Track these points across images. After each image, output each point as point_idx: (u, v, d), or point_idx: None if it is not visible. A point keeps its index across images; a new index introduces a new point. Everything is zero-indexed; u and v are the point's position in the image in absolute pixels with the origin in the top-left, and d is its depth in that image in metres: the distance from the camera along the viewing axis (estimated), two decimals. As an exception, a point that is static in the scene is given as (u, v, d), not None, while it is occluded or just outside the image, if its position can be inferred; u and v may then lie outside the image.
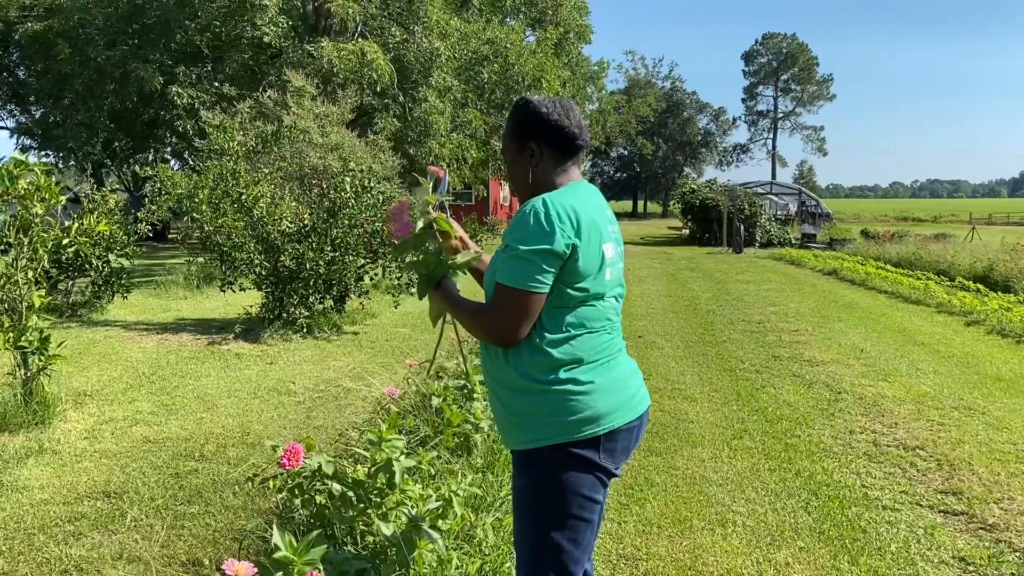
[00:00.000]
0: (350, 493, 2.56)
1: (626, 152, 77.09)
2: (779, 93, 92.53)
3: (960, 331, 10.23)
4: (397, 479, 2.50)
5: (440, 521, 2.63)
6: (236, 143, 9.24)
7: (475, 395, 3.74)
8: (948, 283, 14.79)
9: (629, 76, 76.73)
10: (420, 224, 2.29)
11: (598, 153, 71.12)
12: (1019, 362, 8.20)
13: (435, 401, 3.69)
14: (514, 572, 2.98)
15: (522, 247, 2.02)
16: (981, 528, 4.00)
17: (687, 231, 35.37)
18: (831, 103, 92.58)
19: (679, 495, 4.30)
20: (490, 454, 3.89)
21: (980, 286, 14.02)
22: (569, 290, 2.08)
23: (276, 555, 1.91)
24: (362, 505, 2.47)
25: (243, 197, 8.87)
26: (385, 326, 9.77)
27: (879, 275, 16.04)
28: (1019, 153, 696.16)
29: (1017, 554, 3.69)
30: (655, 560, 3.48)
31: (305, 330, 8.75)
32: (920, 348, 8.91)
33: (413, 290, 9.82)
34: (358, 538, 2.58)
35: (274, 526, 1.95)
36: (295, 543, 1.93)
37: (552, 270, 2.03)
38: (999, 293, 13.11)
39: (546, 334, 2.08)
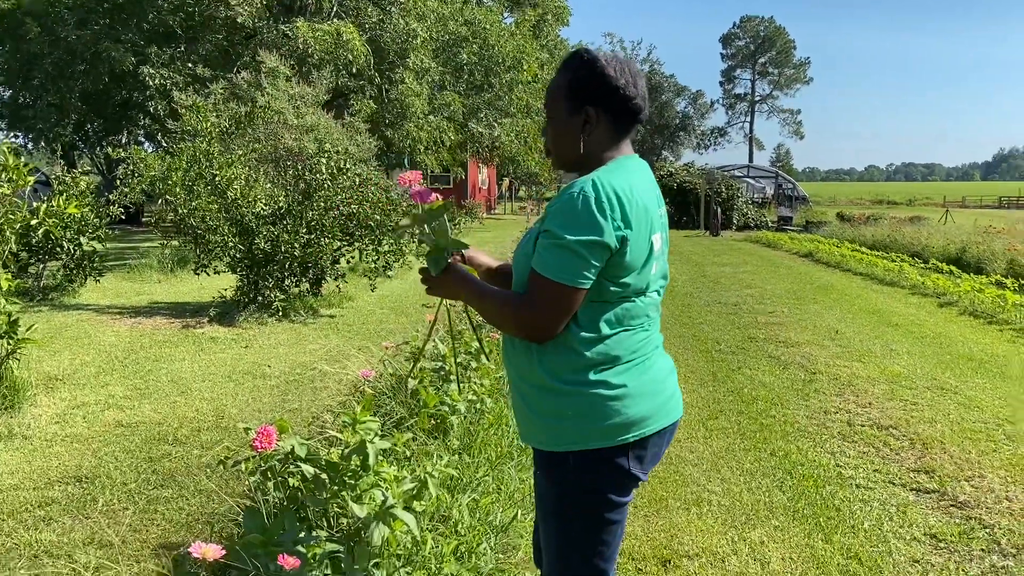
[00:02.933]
0: (323, 475, 2.54)
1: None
2: (756, 76, 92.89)
3: (933, 312, 10.34)
4: (371, 461, 2.48)
5: (415, 502, 2.61)
6: (209, 124, 9.11)
7: (451, 377, 3.72)
8: (922, 265, 14.95)
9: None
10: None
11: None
12: (990, 342, 8.30)
13: (411, 383, 3.68)
14: (489, 553, 2.99)
15: (569, 236, 1.76)
16: (952, 505, 4.04)
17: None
18: (808, 86, 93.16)
19: (655, 475, 4.31)
20: (467, 436, 3.88)
21: (953, 268, 14.18)
22: (611, 286, 1.84)
23: (246, 538, 1.89)
24: (335, 487, 2.45)
25: (216, 179, 8.76)
26: (362, 309, 9.72)
27: (854, 257, 16.18)
28: (992, 137, 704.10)
29: (987, 530, 3.74)
30: (631, 540, 3.49)
31: (281, 313, 8.68)
32: (894, 329, 9.00)
33: (391, 273, 9.79)
34: (332, 521, 2.56)
35: (244, 509, 1.92)
36: (265, 526, 1.91)
37: (599, 264, 1.79)
38: (971, 275, 13.27)
39: (579, 331, 1.85)
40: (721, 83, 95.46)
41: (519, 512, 3.31)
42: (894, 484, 4.35)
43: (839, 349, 7.86)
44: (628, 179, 1.85)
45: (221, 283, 9.68)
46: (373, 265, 9.60)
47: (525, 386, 1.94)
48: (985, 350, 7.87)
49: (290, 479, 2.61)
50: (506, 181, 50.62)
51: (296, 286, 9.23)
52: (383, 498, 2.40)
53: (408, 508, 2.57)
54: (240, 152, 10.42)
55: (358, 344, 7.64)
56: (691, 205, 30.83)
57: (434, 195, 1.96)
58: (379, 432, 2.84)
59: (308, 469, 2.49)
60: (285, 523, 2.01)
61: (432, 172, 29.44)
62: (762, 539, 3.60)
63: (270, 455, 2.61)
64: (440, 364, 3.76)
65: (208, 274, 9.11)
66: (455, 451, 3.69)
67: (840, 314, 10.03)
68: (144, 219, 23.96)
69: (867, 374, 6.82)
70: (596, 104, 1.91)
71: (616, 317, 1.87)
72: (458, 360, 4.01)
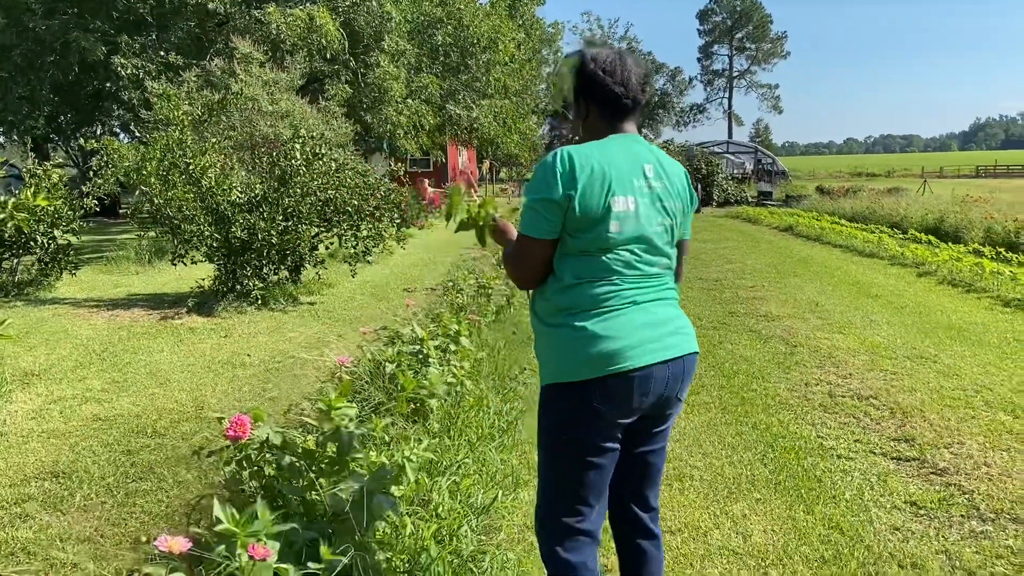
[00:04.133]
0: (300, 463, 2.51)
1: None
2: (734, 52, 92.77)
3: (912, 282, 10.41)
4: (346, 447, 2.45)
5: (393, 487, 2.59)
6: (181, 112, 8.97)
7: (430, 360, 3.69)
8: (901, 236, 15.03)
9: (585, 38, 76.29)
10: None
11: (555, 116, 70.70)
12: (968, 310, 8.37)
13: (389, 367, 3.64)
14: (471, 535, 2.98)
15: (530, 197, 2.16)
16: (932, 473, 4.07)
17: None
18: (785, 61, 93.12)
19: (637, 452, 4.32)
20: (447, 419, 3.86)
21: (931, 237, 14.26)
22: (570, 239, 2.15)
23: (218, 528, 1.86)
24: (312, 475, 2.42)
25: (190, 168, 8.64)
26: (342, 295, 9.66)
27: (834, 230, 16.25)
28: (969, 107, 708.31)
29: (966, 496, 3.77)
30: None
31: (260, 302, 8.60)
32: (874, 300, 9.05)
33: (370, 258, 9.73)
34: (310, 508, 2.54)
35: (215, 499, 1.89)
36: (237, 516, 1.88)
37: (551, 218, 2.12)
38: (949, 244, 13.35)
39: (553, 280, 2.20)
40: (699, 59, 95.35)
41: (500, 493, 3.29)
42: (875, 453, 4.37)
43: (820, 321, 7.90)
44: (595, 150, 2.15)
45: (199, 273, 9.58)
46: (353, 251, 9.52)
47: (532, 330, 2.33)
48: (964, 318, 7.93)
49: (266, 468, 2.58)
50: (486, 163, 50.50)
51: (275, 274, 9.15)
52: (362, 484, 2.38)
53: (387, 493, 2.55)
54: (214, 140, 10.29)
55: (339, 330, 7.60)
56: (672, 182, 30.83)
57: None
58: (355, 418, 2.81)
59: (282, 457, 2.46)
60: (258, 512, 1.98)
61: (411, 156, 29.28)
62: (744, 512, 3.61)
63: (244, 444, 2.57)
64: (418, 348, 3.73)
65: (185, 264, 9.01)
66: (435, 434, 3.67)
67: (820, 287, 10.08)
68: (121, 211, 23.71)
69: (847, 345, 6.85)
70: (586, 95, 2.28)
71: (579, 269, 2.16)
72: (437, 343, 3.98)
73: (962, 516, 3.56)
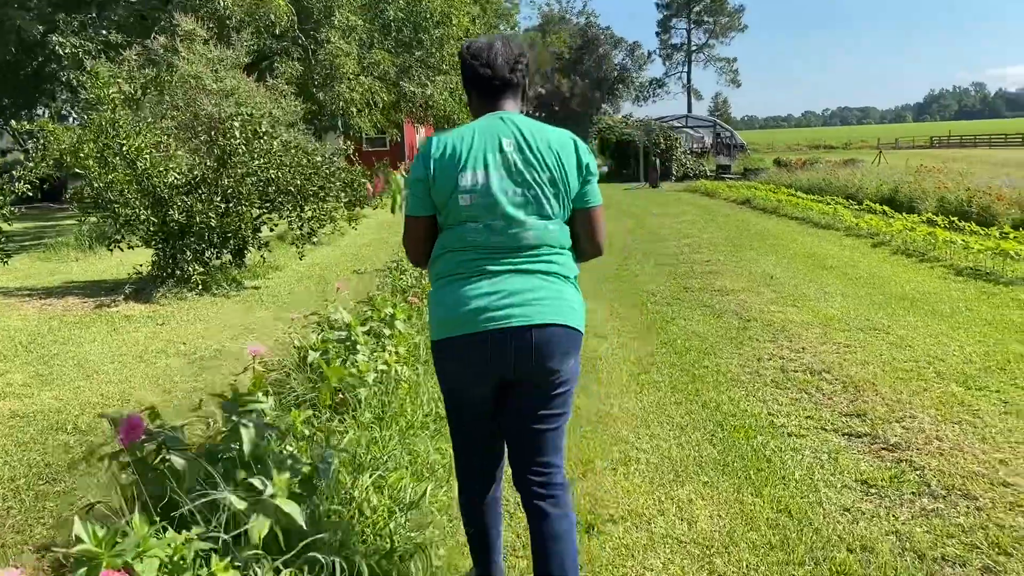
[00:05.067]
0: (199, 465, 2.29)
1: (543, 91, 76.35)
2: (692, 26, 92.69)
3: (867, 253, 10.39)
4: (246, 447, 2.24)
5: (305, 490, 2.39)
6: (112, 91, 8.56)
7: (359, 347, 3.47)
8: (856, 207, 15.06)
9: (542, 12, 75.71)
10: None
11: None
12: (921, 280, 8.34)
13: (311, 356, 3.41)
14: (400, 532, 2.79)
15: (409, 177, 2.37)
16: (884, 448, 3.97)
17: (606, 168, 35.31)
18: (743, 34, 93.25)
19: (582, 436, 4.15)
20: (380, 407, 3.65)
21: (886, 208, 14.31)
22: (439, 215, 2.32)
23: (76, 550, 1.64)
24: (210, 480, 2.21)
25: (124, 149, 8.27)
26: (289, 279, 9.37)
27: (790, 202, 16.24)
28: (923, 79, 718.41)
29: (917, 472, 3.66)
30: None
31: (201, 287, 8.29)
32: (828, 272, 8.99)
33: (316, 240, 9.44)
34: (212, 515, 2.32)
35: (75, 516, 1.67)
36: (99, 534, 1.66)
37: (421, 196, 2.30)
38: (904, 214, 13.40)
39: (435, 247, 2.37)
40: (657, 33, 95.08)
41: (430, 486, 3.10)
42: (826, 430, 4.26)
43: (774, 295, 7.81)
44: (457, 131, 2.31)
45: (140, 259, 9.23)
46: (300, 232, 9.23)
47: None
48: (917, 288, 7.89)
49: (165, 470, 2.36)
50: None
51: (217, 258, 8.84)
52: (264, 487, 2.17)
53: (298, 495, 2.35)
54: (150, 120, 9.89)
55: (284, 316, 7.34)
56: (631, 158, 30.73)
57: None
58: (268, 412, 2.60)
59: (178, 460, 2.24)
60: (135, 524, 1.77)
61: (367, 135, 28.78)
62: (690, 497, 3.46)
63: (138, 446, 2.35)
64: (346, 334, 3.50)
65: (122, 249, 8.66)
66: (367, 425, 3.47)
67: (776, 260, 10.01)
68: (66, 195, 22.97)
69: (801, 318, 6.76)
70: (465, 82, 2.45)
71: (443, 240, 2.32)
72: (368, 328, 3.76)
73: (913, 494, 3.45)
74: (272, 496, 2.13)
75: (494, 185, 2.23)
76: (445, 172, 2.23)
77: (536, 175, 2.25)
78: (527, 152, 2.26)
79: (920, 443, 4.00)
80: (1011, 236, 10.07)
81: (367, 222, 15.67)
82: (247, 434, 2.26)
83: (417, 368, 4.05)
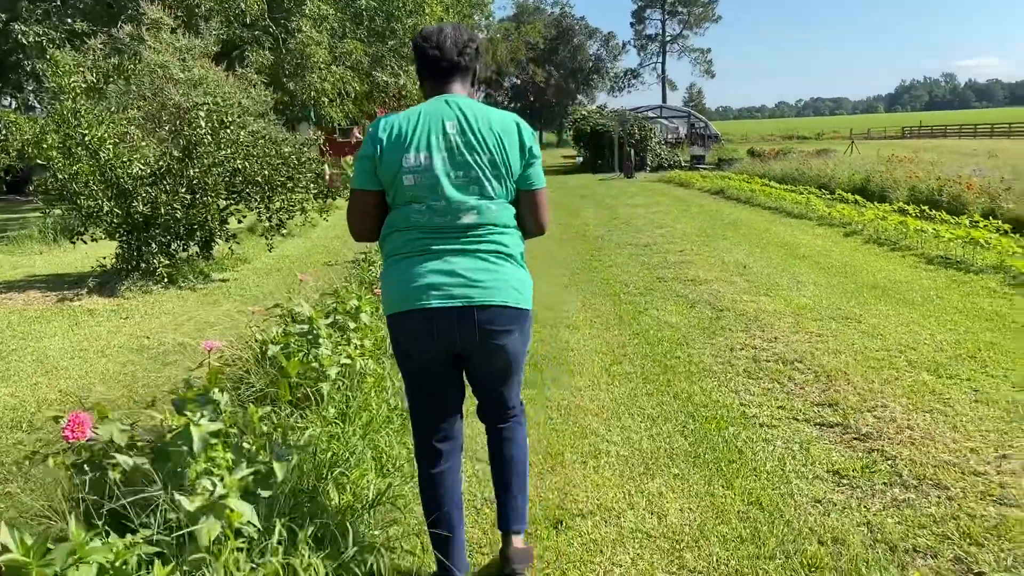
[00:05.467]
0: (146, 466, 2.20)
1: (519, 81, 76.13)
2: (666, 16, 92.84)
3: (839, 242, 10.41)
4: (196, 446, 2.15)
5: (261, 489, 2.30)
6: (72, 81, 8.35)
7: (321, 340, 3.37)
8: (829, 196, 15.12)
9: (517, 3, 75.41)
10: None
11: (489, 83, 70.11)
12: (893, 269, 8.36)
13: (271, 350, 3.31)
14: (362, 529, 2.71)
15: (357, 153, 2.44)
16: (855, 439, 3.93)
17: (581, 159, 35.27)
18: (717, 25, 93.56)
19: (552, 428, 4.09)
20: (344, 402, 3.56)
21: (858, 197, 14.37)
22: (387, 195, 2.43)
23: (4, 559, 1.54)
24: (155, 483, 2.11)
25: (86, 139, 8.07)
26: (258, 271, 9.22)
27: (764, 192, 16.27)
28: (894, 69, 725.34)
29: (889, 462, 3.63)
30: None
31: (167, 280, 8.12)
32: (801, 261, 8.99)
33: (284, 231, 9.29)
34: (163, 518, 2.23)
35: (1, 522, 1.57)
36: (27, 542, 1.57)
37: (367, 171, 2.40)
38: (875, 203, 13.46)
39: (384, 227, 2.47)
40: (632, 24, 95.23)
41: (392, 482, 3.02)
42: (798, 420, 4.22)
43: (747, 284, 7.79)
44: (402, 115, 2.39)
45: (105, 252, 9.04)
46: (268, 223, 9.08)
47: None
48: (888, 277, 7.90)
49: (111, 472, 2.26)
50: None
51: (184, 250, 8.67)
52: (213, 488, 2.08)
53: (252, 494, 2.26)
54: (114, 110, 9.67)
55: (252, 309, 7.20)
56: (606, 148, 30.69)
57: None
58: (224, 409, 2.50)
59: (125, 460, 2.14)
60: (72, 530, 1.67)
61: (339, 126, 28.49)
62: (660, 490, 3.40)
63: (86, 446, 2.25)
64: (308, 327, 3.40)
65: (85, 242, 8.47)
66: (330, 420, 3.38)
67: (748, 249, 10.00)
68: (30, 188, 22.50)
69: (773, 308, 6.74)
70: (418, 66, 2.54)
71: (391, 220, 2.43)
72: (331, 321, 3.66)
73: (885, 484, 3.42)
74: (223, 497, 2.04)
75: (436, 166, 2.32)
76: (391, 151, 2.33)
77: (477, 157, 2.34)
78: (469, 134, 2.35)
79: (892, 432, 3.97)
80: (981, 225, 10.14)
81: (339, 213, 15.48)
82: (197, 432, 2.16)
83: (383, 362, 3.96)
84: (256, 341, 3.74)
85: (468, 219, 2.34)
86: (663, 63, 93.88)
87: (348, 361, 3.51)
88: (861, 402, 4.42)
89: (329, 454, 2.88)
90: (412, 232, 2.36)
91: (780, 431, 4.07)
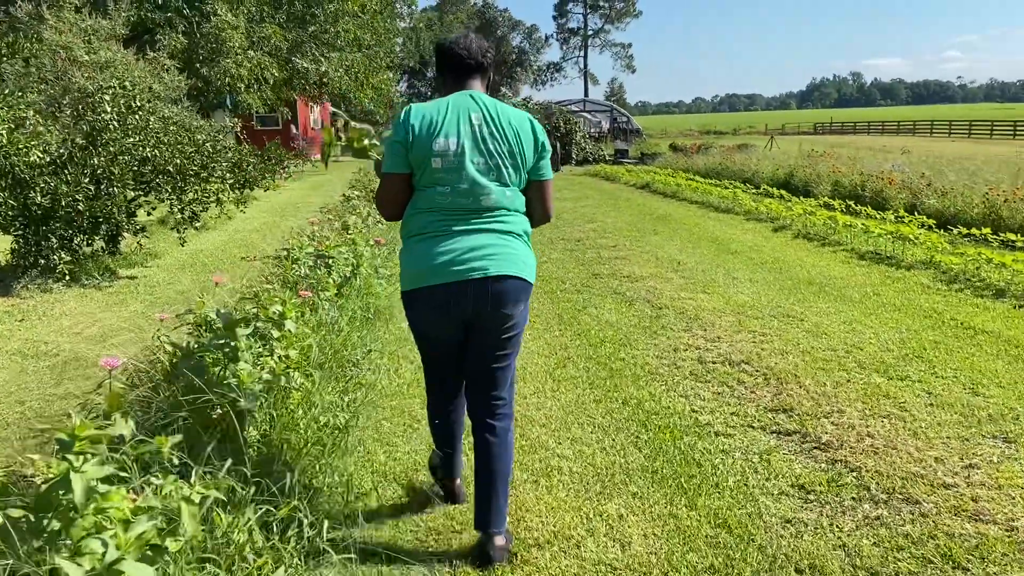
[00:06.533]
0: (29, 518, 1.79)
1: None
2: (588, 10, 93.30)
3: (769, 237, 10.39)
4: (78, 497, 1.75)
5: (168, 540, 1.92)
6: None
7: (240, 353, 2.96)
8: (754, 191, 15.20)
9: (438, -8, 74.66)
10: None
11: (414, 73, 69.24)
12: (826, 264, 8.33)
13: (181, 366, 2.88)
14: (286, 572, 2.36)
15: (387, 141, 2.68)
16: (816, 448, 3.74)
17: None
18: (638, 20, 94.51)
19: (498, 443, 3.77)
20: (267, 423, 3.16)
21: (783, 192, 14.48)
22: (414, 177, 2.67)
23: None
24: (36, 541, 1.72)
25: (-26, 124, 7.34)
26: (169, 267, 8.62)
27: (689, 187, 16.28)
28: (804, 68, 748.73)
29: (854, 474, 3.44)
30: (469, 532, 2.92)
31: (68, 277, 7.48)
32: (734, 256, 8.90)
33: (198, 224, 8.72)
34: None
35: None
36: None
37: (399, 156, 2.63)
38: (801, 198, 13.57)
39: (407, 210, 2.73)
40: (555, 17, 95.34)
41: (324, 517, 2.65)
42: (753, 427, 4.02)
43: (683, 281, 7.62)
44: (431, 104, 2.66)
45: (1, 246, 8.31)
46: (181, 216, 8.49)
47: None
48: (823, 273, 7.85)
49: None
50: (340, 120, 48.55)
51: (88, 245, 8.02)
52: (105, 548, 1.69)
53: (156, 548, 1.87)
54: (8, 92, 8.90)
55: (161, 309, 6.66)
56: (530, 140, 30.44)
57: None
58: (130, 439, 2.10)
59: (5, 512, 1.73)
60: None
61: (257, 113, 27.49)
62: (620, 512, 3.13)
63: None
64: (226, 339, 2.99)
65: (-23, 236, 7.74)
66: (255, 444, 2.98)
67: (680, 244, 9.88)
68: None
69: (713, 306, 6.58)
70: (438, 67, 2.88)
71: (417, 201, 2.68)
72: (251, 331, 3.25)
73: (854, 499, 3.22)
74: (116, 562, 1.66)
75: (463, 151, 2.59)
76: (422, 136, 2.58)
77: (498, 147, 2.63)
78: (491, 126, 2.64)
79: (852, 441, 3.80)
80: (907, 220, 10.26)
81: (258, 205, 14.83)
82: (80, 481, 1.77)
83: (311, 373, 3.56)
84: (166, 355, 3.30)
85: (485, 202, 2.62)
86: (585, 57, 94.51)
87: (269, 377, 3.11)
88: (816, 407, 4.25)
89: (248, 491, 2.48)
90: (434, 214, 2.63)
91: (737, 440, 3.85)
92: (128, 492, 2.10)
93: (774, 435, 3.92)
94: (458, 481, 3.18)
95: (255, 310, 3.39)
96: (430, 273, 2.59)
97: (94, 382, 4.68)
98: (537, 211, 2.85)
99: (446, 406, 3.00)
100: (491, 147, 2.61)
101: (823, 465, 3.55)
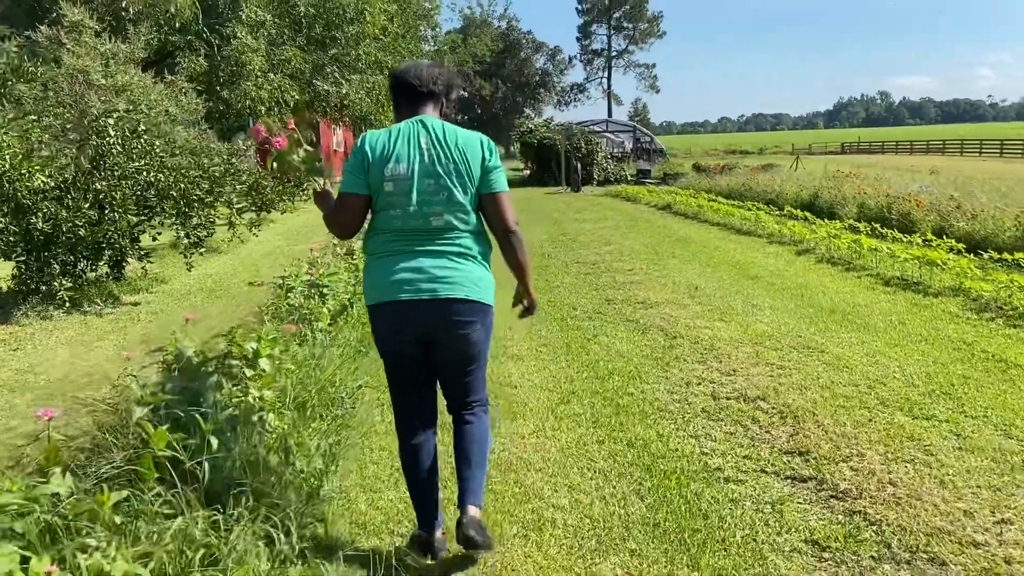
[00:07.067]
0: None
1: (465, 94, 75.67)
2: (612, 31, 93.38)
3: (792, 261, 10.08)
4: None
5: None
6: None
7: (201, 399, 2.75)
8: (777, 212, 14.89)
9: (464, 15, 75.21)
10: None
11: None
12: (850, 291, 8.01)
13: (137, 412, 2.68)
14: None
15: (345, 166, 2.82)
16: (832, 497, 3.46)
17: (528, 172, 34.89)
18: (662, 40, 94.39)
19: (490, 490, 3.52)
20: (220, 471, 2.92)
21: (807, 214, 14.14)
22: (373, 202, 2.81)
23: None
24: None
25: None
26: (175, 293, 8.48)
27: (711, 208, 15.99)
28: (832, 86, 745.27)
29: (874, 528, 3.15)
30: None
31: (69, 304, 7.35)
32: (754, 282, 8.61)
33: (203, 249, 8.59)
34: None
35: None
36: None
37: (356, 177, 2.78)
38: (825, 220, 13.23)
39: (368, 229, 2.90)
40: (578, 39, 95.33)
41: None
42: (766, 472, 3.74)
43: (700, 307, 7.34)
44: (384, 131, 2.82)
45: (3, 273, 8.21)
46: (187, 241, 8.37)
47: None
48: (846, 300, 7.54)
49: None
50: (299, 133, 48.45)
51: (92, 270, 7.90)
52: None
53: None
54: (22, 116, 8.85)
55: (164, 338, 6.49)
56: (552, 161, 30.33)
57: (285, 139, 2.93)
58: (70, 495, 1.89)
59: None
60: None
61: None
62: (615, 573, 2.86)
63: None
64: (188, 384, 2.77)
65: (-20, 262, 7.65)
66: (208, 492, 2.75)
67: (699, 268, 9.60)
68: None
69: (729, 335, 6.29)
70: (395, 93, 3.00)
71: (374, 222, 2.85)
72: (223, 366, 3.04)
73: (873, 558, 2.94)
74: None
75: (412, 176, 2.72)
76: (376, 161, 2.74)
77: (446, 167, 2.74)
78: (439, 148, 2.76)
79: (873, 489, 3.51)
80: (935, 244, 9.90)
81: (274, 228, 14.75)
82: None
83: (286, 414, 3.34)
84: (124, 400, 3.10)
85: (437, 223, 2.74)
86: (608, 78, 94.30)
87: (236, 413, 2.89)
88: (835, 450, 3.96)
89: (200, 555, 2.26)
90: (389, 235, 2.77)
91: (748, 487, 3.58)
92: (52, 563, 1.88)
93: (788, 481, 3.64)
94: (438, 533, 2.93)
95: (229, 348, 3.18)
96: (385, 291, 2.74)
97: (81, 419, 4.50)
98: (495, 224, 2.86)
99: (410, 434, 2.93)
100: (439, 168, 2.73)
101: (840, 517, 3.27)
